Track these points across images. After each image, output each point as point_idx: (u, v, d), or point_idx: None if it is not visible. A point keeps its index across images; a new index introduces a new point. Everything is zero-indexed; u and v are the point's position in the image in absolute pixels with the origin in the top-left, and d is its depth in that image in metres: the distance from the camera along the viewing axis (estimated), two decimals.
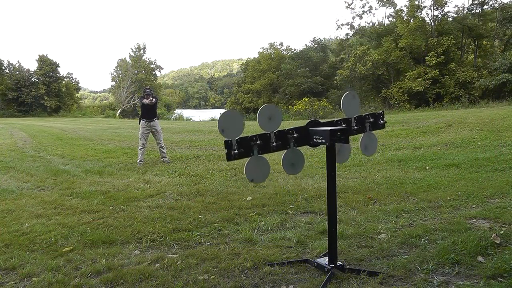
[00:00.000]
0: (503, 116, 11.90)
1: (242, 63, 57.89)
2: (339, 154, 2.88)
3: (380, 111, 3.01)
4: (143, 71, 50.30)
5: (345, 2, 37.66)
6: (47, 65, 43.90)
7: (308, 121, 2.73)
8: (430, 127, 11.06)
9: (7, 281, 2.75)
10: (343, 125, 2.77)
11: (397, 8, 33.18)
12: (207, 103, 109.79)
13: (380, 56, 29.74)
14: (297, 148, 2.62)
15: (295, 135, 2.59)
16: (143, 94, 8.26)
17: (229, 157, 2.43)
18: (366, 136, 2.91)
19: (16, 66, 44.33)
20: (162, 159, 8.16)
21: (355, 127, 2.81)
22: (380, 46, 30.67)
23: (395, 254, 2.97)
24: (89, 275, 2.81)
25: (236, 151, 2.41)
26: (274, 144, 2.52)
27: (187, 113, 53.30)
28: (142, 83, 47.90)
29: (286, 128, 2.61)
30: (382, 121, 2.97)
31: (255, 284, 2.62)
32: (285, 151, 2.59)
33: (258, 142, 2.47)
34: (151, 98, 8.08)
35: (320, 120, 2.78)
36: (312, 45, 42.19)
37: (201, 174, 6.67)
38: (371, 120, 2.90)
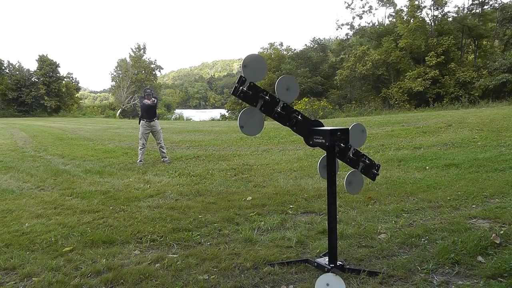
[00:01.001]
0: (503, 116, 11.91)
1: None
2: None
3: (379, 164, 2.99)
4: (143, 71, 50.26)
5: (345, 2, 37.75)
6: (47, 65, 43.87)
7: (313, 119, 2.74)
8: (430, 127, 11.06)
9: (7, 281, 2.75)
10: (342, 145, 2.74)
11: (397, 8, 33.25)
12: (207, 103, 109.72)
13: (380, 56, 29.76)
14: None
15: (298, 118, 2.60)
16: (143, 94, 8.26)
17: (235, 91, 2.46)
18: (353, 173, 2.88)
19: (16, 66, 44.31)
20: (162, 159, 8.16)
21: (351, 156, 2.80)
22: (380, 46, 30.69)
23: (395, 254, 2.97)
24: (89, 275, 2.81)
25: (245, 89, 2.43)
26: (278, 111, 2.53)
27: (187, 113, 53.31)
28: (142, 83, 47.87)
29: (294, 108, 2.63)
30: (375, 172, 2.96)
31: (255, 284, 2.62)
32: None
33: (267, 98, 2.49)
34: (152, 98, 8.12)
35: (321, 121, 2.78)
36: (312, 45, 42.14)
37: (201, 174, 6.67)
38: (366, 162, 2.88)
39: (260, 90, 2.48)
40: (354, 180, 2.91)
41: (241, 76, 2.42)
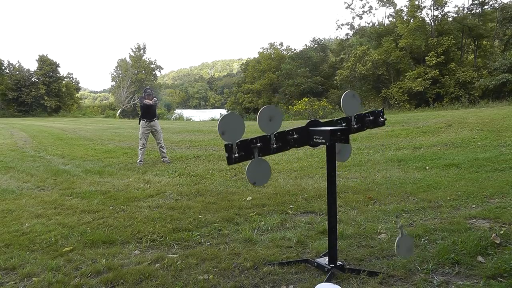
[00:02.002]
0: (503, 116, 11.90)
1: (242, 63, 57.82)
2: (340, 153, 2.87)
3: (381, 109, 3.00)
4: (143, 71, 50.28)
5: (345, 2, 37.85)
6: (47, 65, 43.87)
7: (308, 121, 2.74)
8: (430, 127, 11.06)
9: (7, 281, 2.75)
10: (343, 124, 2.77)
11: (397, 8, 33.24)
12: (207, 103, 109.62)
13: (380, 56, 29.74)
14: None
15: (295, 136, 2.59)
16: (144, 94, 8.26)
17: (230, 160, 2.41)
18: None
19: (16, 66, 44.31)
20: (162, 159, 8.16)
21: (355, 126, 2.81)
22: (380, 46, 30.68)
23: (395, 254, 2.96)
24: (89, 275, 2.81)
25: (237, 155, 2.39)
26: (275, 146, 2.51)
27: (187, 113, 53.23)
28: (142, 83, 47.89)
29: (287, 129, 2.60)
30: (382, 119, 2.96)
31: (255, 284, 2.62)
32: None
33: (259, 144, 2.46)
34: (154, 98, 8.13)
35: (320, 120, 2.78)
36: (312, 45, 42.16)
37: (201, 174, 6.67)
38: (371, 118, 2.89)
39: (250, 142, 2.44)
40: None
41: (226, 145, 2.38)
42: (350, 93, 2.83)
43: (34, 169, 7.51)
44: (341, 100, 2.76)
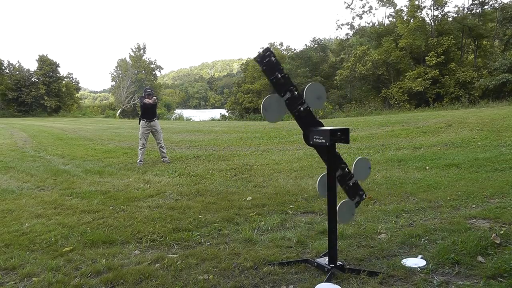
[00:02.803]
0: (503, 116, 11.91)
1: (242, 63, 57.72)
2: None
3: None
4: (143, 71, 50.29)
5: (345, 2, 37.84)
6: (47, 65, 43.85)
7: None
8: (430, 127, 11.07)
9: (7, 281, 2.75)
10: (303, 107, 2.64)
11: (397, 8, 33.23)
12: (207, 103, 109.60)
13: (380, 56, 29.75)
14: None
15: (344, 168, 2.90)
16: (144, 94, 8.25)
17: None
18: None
19: (16, 66, 44.30)
20: (162, 159, 8.15)
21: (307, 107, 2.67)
22: (380, 46, 30.68)
23: (395, 254, 2.97)
24: (89, 275, 2.81)
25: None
26: (341, 173, 2.92)
27: (187, 113, 53.22)
28: (142, 83, 47.90)
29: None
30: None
31: (255, 284, 2.62)
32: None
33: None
34: (154, 97, 8.12)
35: (320, 120, 2.78)
36: (312, 45, 42.12)
37: (201, 174, 6.67)
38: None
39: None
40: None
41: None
42: (268, 99, 2.57)
43: (34, 169, 7.51)
44: (262, 110, 2.54)
